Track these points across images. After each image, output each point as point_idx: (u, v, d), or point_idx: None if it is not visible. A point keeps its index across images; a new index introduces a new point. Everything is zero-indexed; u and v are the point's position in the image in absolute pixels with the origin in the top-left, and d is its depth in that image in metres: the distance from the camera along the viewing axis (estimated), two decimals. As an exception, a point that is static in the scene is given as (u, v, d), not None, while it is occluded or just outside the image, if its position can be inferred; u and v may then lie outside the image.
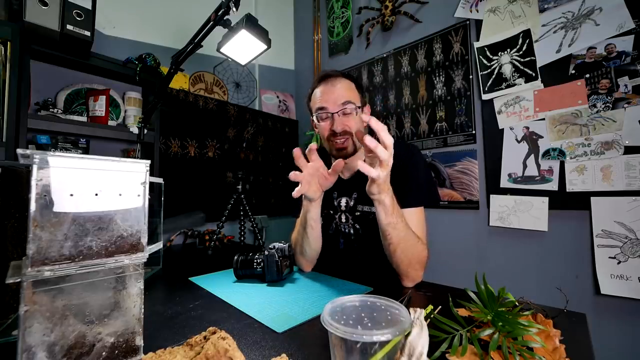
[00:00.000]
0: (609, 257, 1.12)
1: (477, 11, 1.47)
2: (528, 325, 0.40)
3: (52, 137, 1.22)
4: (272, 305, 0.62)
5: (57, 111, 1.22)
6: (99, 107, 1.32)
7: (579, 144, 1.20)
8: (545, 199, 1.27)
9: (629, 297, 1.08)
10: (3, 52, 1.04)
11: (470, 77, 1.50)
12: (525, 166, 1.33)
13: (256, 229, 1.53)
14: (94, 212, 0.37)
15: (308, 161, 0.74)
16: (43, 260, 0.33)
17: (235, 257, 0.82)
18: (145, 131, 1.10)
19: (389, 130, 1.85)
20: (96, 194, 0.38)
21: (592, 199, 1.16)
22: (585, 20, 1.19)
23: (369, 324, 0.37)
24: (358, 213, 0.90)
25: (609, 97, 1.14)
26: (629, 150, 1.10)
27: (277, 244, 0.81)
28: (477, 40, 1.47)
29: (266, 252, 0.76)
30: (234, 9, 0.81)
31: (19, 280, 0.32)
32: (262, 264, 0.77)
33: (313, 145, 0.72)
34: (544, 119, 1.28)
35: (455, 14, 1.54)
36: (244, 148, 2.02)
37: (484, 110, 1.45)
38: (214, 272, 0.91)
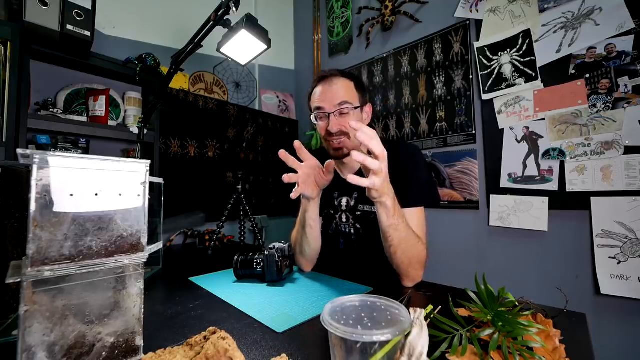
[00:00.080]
0: (609, 257, 1.12)
1: (477, 11, 1.47)
2: (528, 325, 0.40)
3: (52, 137, 1.22)
4: (272, 305, 0.62)
5: (57, 111, 1.22)
6: (99, 107, 1.32)
7: (579, 144, 1.20)
8: (545, 199, 1.27)
9: (629, 297, 1.08)
10: (3, 52, 1.04)
11: (470, 77, 1.50)
12: (525, 166, 1.33)
13: (256, 229, 1.53)
14: (94, 212, 0.37)
15: (301, 161, 0.75)
16: (43, 260, 0.33)
17: (235, 257, 0.82)
18: (145, 131, 1.10)
19: (388, 130, 1.83)
20: (96, 194, 0.38)
21: (592, 199, 1.16)
22: (585, 20, 1.19)
23: (369, 324, 0.37)
24: (359, 213, 0.90)
25: (609, 97, 1.14)
26: (629, 150, 1.10)
27: (277, 244, 0.81)
28: (477, 40, 1.47)
29: (266, 252, 0.76)
30: (234, 9, 0.81)
31: (19, 280, 0.32)
32: (262, 264, 0.77)
33: (297, 142, 0.72)
34: (544, 119, 1.28)
35: (455, 14, 1.54)
36: (244, 148, 2.02)
37: (484, 110, 1.45)
38: (214, 272, 0.91)
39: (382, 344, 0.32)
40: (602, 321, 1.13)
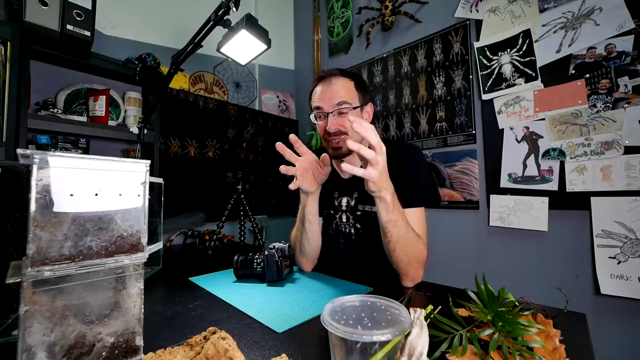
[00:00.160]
0: (609, 257, 1.12)
1: (477, 11, 1.47)
2: (528, 325, 0.40)
3: (52, 137, 1.22)
4: (272, 305, 0.62)
5: (57, 111, 1.22)
6: (99, 107, 1.32)
7: (579, 144, 1.20)
8: (545, 199, 1.27)
9: (629, 297, 1.08)
10: (3, 52, 1.04)
11: (470, 77, 1.50)
12: (525, 166, 1.33)
13: (256, 229, 1.53)
14: (94, 212, 0.37)
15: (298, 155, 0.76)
16: (43, 260, 0.33)
17: (235, 257, 0.82)
18: (145, 131, 1.11)
19: (388, 130, 1.83)
20: (96, 194, 0.38)
21: (592, 199, 1.16)
22: (585, 20, 1.19)
23: (369, 324, 0.37)
24: (359, 213, 0.90)
25: (609, 97, 1.14)
26: (629, 150, 1.10)
27: (277, 244, 0.81)
28: (477, 40, 1.47)
29: (266, 252, 0.76)
30: (234, 9, 0.81)
31: (19, 280, 0.32)
32: (262, 264, 0.77)
33: (292, 136, 0.73)
34: (544, 119, 1.28)
35: (455, 14, 1.54)
36: (244, 148, 2.02)
37: (484, 110, 1.45)
38: (214, 272, 0.91)
39: (382, 344, 0.32)
40: (602, 321, 1.13)
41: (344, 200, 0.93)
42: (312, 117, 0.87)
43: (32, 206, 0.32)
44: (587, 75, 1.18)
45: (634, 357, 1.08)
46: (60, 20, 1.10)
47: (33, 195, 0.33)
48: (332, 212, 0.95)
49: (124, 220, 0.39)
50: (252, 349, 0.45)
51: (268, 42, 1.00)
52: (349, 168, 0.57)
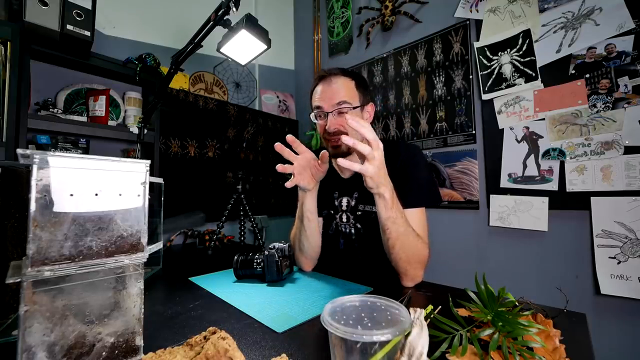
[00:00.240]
0: (609, 257, 1.12)
1: (477, 11, 1.47)
2: (528, 325, 0.40)
3: (52, 137, 1.22)
4: (272, 305, 0.62)
5: (57, 111, 1.22)
6: (99, 107, 1.32)
7: (579, 144, 1.20)
8: (545, 199, 1.27)
9: (629, 297, 1.08)
10: (3, 52, 1.04)
11: (470, 77, 1.50)
12: (525, 166, 1.33)
13: (256, 229, 1.53)
14: (94, 212, 0.37)
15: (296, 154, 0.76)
16: (43, 260, 0.33)
17: (235, 257, 0.82)
18: (145, 131, 1.11)
19: (388, 130, 1.83)
20: (96, 194, 0.38)
21: (592, 199, 1.16)
22: (585, 20, 1.19)
23: (369, 324, 0.37)
24: (359, 212, 0.90)
25: (609, 97, 1.14)
26: (629, 150, 1.10)
27: (277, 244, 0.81)
28: (477, 40, 1.47)
29: (266, 252, 0.76)
30: (234, 9, 0.81)
31: (19, 280, 0.32)
32: (262, 264, 0.77)
33: (289, 136, 0.73)
34: (544, 119, 1.28)
35: (455, 14, 1.54)
36: (244, 148, 2.02)
37: (484, 110, 1.45)
38: (214, 272, 0.91)
39: (382, 344, 0.32)
40: (602, 321, 1.13)
41: (344, 200, 0.93)
42: (312, 116, 0.87)
43: (32, 206, 0.32)
44: (587, 75, 1.18)
45: (634, 357, 1.08)
46: (60, 20, 1.10)
47: (33, 195, 0.33)
48: (333, 212, 0.95)
49: (124, 220, 0.39)
50: (252, 349, 0.45)
51: (268, 42, 1.00)
52: (346, 164, 0.57)
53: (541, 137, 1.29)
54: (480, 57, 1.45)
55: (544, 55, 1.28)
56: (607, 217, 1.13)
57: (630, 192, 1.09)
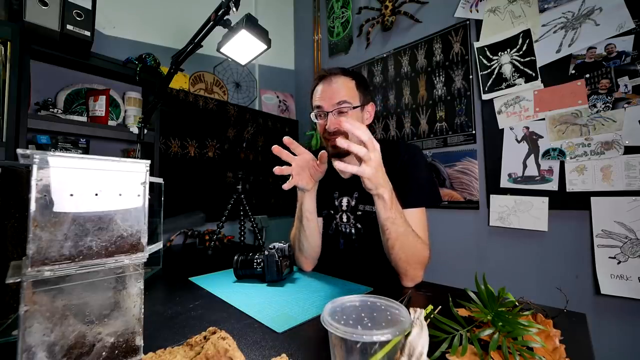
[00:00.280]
0: (609, 257, 1.12)
1: (477, 11, 1.47)
2: (528, 325, 0.40)
3: (52, 137, 1.22)
4: (272, 305, 0.62)
5: (57, 111, 1.22)
6: (99, 107, 1.32)
7: (579, 144, 1.20)
8: (545, 199, 1.27)
9: (629, 297, 1.08)
10: (3, 52, 1.04)
11: (470, 77, 1.50)
12: (525, 166, 1.33)
13: (256, 229, 1.53)
14: (94, 212, 0.37)
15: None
16: (43, 260, 0.33)
17: (235, 257, 0.82)
18: (145, 131, 1.11)
19: (388, 130, 1.83)
20: (96, 194, 0.38)
21: (592, 199, 1.16)
22: (585, 20, 1.19)
23: (369, 324, 0.37)
24: (360, 212, 0.90)
25: (609, 97, 1.14)
26: (629, 150, 1.10)
27: (277, 244, 0.81)
28: (477, 40, 1.47)
29: (266, 252, 0.76)
30: (234, 9, 0.81)
31: (19, 280, 0.32)
32: (262, 264, 0.77)
33: (286, 138, 0.73)
34: (544, 119, 1.28)
35: (455, 14, 1.54)
36: (244, 148, 2.02)
37: (484, 110, 1.45)
38: (214, 272, 0.91)
39: (382, 344, 0.32)
40: (602, 321, 1.13)
41: (345, 200, 0.93)
42: (312, 115, 0.87)
43: (32, 206, 0.32)
44: (587, 75, 1.18)
45: (634, 357, 1.08)
46: (60, 20, 1.10)
47: (33, 195, 0.33)
48: (333, 212, 0.95)
49: (124, 220, 0.39)
50: (252, 349, 0.45)
51: (268, 42, 1.00)
52: (342, 166, 0.57)
53: (541, 137, 1.29)
54: (480, 57, 1.45)
55: (544, 55, 1.28)
56: (607, 217, 1.13)
57: (630, 192, 1.09)
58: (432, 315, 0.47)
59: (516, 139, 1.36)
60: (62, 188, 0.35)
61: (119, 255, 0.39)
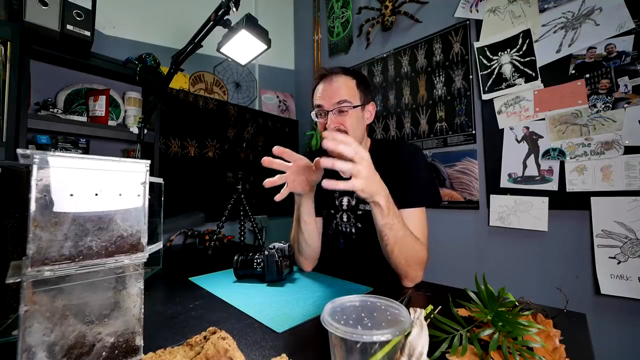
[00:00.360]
0: (609, 257, 1.12)
1: (477, 11, 1.47)
2: (528, 325, 0.40)
3: (52, 137, 1.22)
4: (272, 305, 0.62)
5: (57, 111, 1.22)
6: (99, 107, 1.32)
7: (579, 144, 1.20)
8: (545, 199, 1.27)
9: (629, 297, 1.08)
10: (3, 52, 1.04)
11: (470, 77, 1.50)
12: (525, 166, 1.33)
13: (256, 229, 1.53)
14: (94, 212, 0.37)
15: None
16: (43, 260, 0.33)
17: (235, 257, 0.82)
18: (145, 131, 1.11)
19: (388, 130, 1.82)
20: (96, 194, 0.38)
21: (592, 199, 1.16)
22: (585, 20, 1.19)
23: (369, 324, 0.37)
24: (360, 212, 0.90)
25: (609, 97, 1.14)
26: (629, 150, 1.10)
27: (277, 244, 0.81)
28: (477, 40, 1.47)
29: (266, 252, 0.76)
30: (234, 9, 0.81)
31: (19, 280, 0.32)
32: (262, 264, 0.77)
33: (275, 148, 0.69)
34: (544, 119, 1.28)
35: (455, 14, 1.54)
36: (244, 148, 2.02)
37: (484, 110, 1.45)
38: (214, 272, 0.91)
39: (382, 344, 0.32)
40: (602, 321, 1.13)
41: (345, 200, 0.93)
42: (313, 114, 0.87)
43: (32, 206, 0.32)
44: (587, 75, 1.18)
45: (634, 357, 1.08)
46: (60, 20, 1.10)
47: (33, 195, 0.33)
48: (333, 211, 0.95)
49: (124, 220, 0.39)
50: (252, 349, 0.45)
51: (268, 42, 1.00)
52: (330, 184, 0.55)
53: (541, 137, 1.29)
54: (480, 57, 1.45)
55: (544, 55, 1.28)
56: (607, 217, 1.13)
57: (630, 192, 1.09)
58: (432, 315, 0.47)
59: (516, 139, 1.36)
60: (62, 188, 0.35)
61: (119, 255, 0.39)
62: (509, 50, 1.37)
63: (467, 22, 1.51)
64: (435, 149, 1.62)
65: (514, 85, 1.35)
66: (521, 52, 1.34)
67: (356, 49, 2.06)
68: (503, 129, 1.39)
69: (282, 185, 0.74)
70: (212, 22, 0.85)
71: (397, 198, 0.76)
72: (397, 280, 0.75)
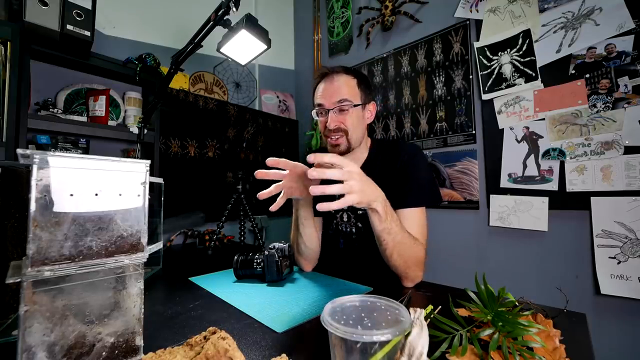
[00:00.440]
0: (609, 257, 1.12)
1: (477, 11, 1.47)
2: (528, 325, 0.40)
3: (52, 137, 1.22)
4: (272, 305, 0.62)
5: (57, 111, 1.22)
6: (99, 107, 1.32)
7: (579, 144, 1.20)
8: (545, 199, 1.27)
9: (629, 297, 1.08)
10: (3, 52, 1.04)
11: (470, 77, 1.50)
12: (525, 166, 1.33)
13: (256, 229, 1.53)
14: (94, 212, 0.37)
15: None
16: (43, 260, 0.33)
17: (235, 257, 0.82)
18: (145, 131, 1.10)
19: (388, 130, 1.82)
20: (96, 194, 0.38)
21: (592, 199, 1.16)
22: (585, 20, 1.19)
23: (369, 324, 0.37)
24: (360, 212, 0.90)
25: (609, 97, 1.14)
26: (629, 150, 1.10)
27: (277, 244, 0.81)
28: (477, 40, 1.47)
29: (266, 252, 0.76)
30: (234, 9, 0.81)
31: (19, 280, 0.32)
32: (262, 264, 0.77)
33: (269, 160, 0.67)
34: (544, 119, 1.28)
35: (455, 14, 1.54)
36: (244, 148, 2.02)
37: (484, 110, 1.45)
38: (214, 272, 0.91)
39: (382, 344, 0.32)
40: (602, 321, 1.13)
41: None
42: (313, 113, 0.87)
43: (32, 206, 0.32)
44: (587, 75, 1.18)
45: (634, 357, 1.08)
46: (60, 20, 1.10)
47: (33, 195, 0.33)
48: (333, 211, 0.95)
49: (124, 220, 0.39)
50: (252, 349, 0.45)
51: (268, 42, 1.00)
52: (324, 207, 0.55)
53: (541, 137, 1.29)
54: (480, 57, 1.45)
55: (544, 55, 1.28)
56: (607, 217, 1.13)
57: (630, 192, 1.09)
58: (432, 315, 0.47)
59: (516, 139, 1.36)
60: (62, 188, 0.35)
61: (119, 255, 0.39)
62: (509, 50, 1.37)
63: (467, 22, 1.51)
64: (435, 149, 1.62)
65: (514, 85, 1.35)
66: (521, 52, 1.34)
67: (356, 49, 2.06)
68: (503, 129, 1.39)
69: (278, 194, 0.73)
70: (212, 22, 0.86)
71: (397, 198, 0.75)
72: (397, 280, 0.75)
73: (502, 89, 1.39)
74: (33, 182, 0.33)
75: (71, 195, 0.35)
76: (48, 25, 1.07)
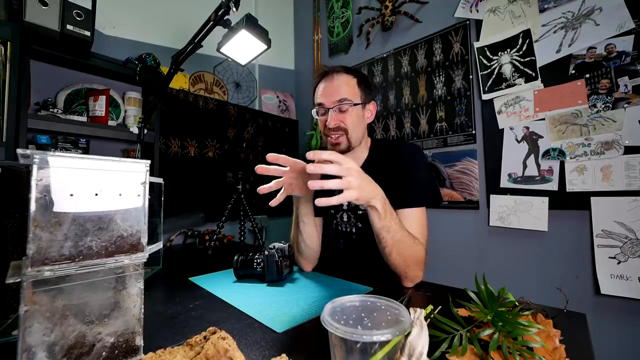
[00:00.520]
0: (609, 257, 1.12)
1: (477, 11, 1.47)
2: (528, 325, 0.40)
3: (52, 137, 1.22)
4: (272, 305, 0.62)
5: (57, 111, 1.22)
6: (99, 107, 1.32)
7: (579, 144, 1.20)
8: (545, 199, 1.27)
9: (629, 297, 1.08)
10: (3, 52, 1.04)
11: (470, 77, 1.50)
12: (525, 166, 1.33)
13: (256, 229, 1.53)
14: (94, 212, 0.37)
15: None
16: (43, 260, 0.33)
17: (235, 257, 0.82)
18: (145, 131, 1.10)
19: (388, 130, 1.82)
20: (96, 194, 0.38)
21: (592, 199, 1.16)
22: (585, 20, 1.19)
23: (369, 324, 0.37)
24: (360, 212, 0.90)
25: (609, 97, 1.14)
26: (629, 150, 1.10)
27: (277, 244, 0.81)
28: (477, 40, 1.47)
29: (266, 252, 0.76)
30: (234, 9, 0.81)
31: (19, 280, 0.32)
32: (262, 264, 0.77)
33: (269, 155, 0.68)
34: (544, 119, 1.28)
35: (455, 14, 1.54)
36: (244, 148, 2.02)
37: (484, 110, 1.45)
38: (214, 272, 0.91)
39: (382, 344, 0.32)
40: (602, 321, 1.13)
41: (345, 200, 0.93)
42: (313, 112, 0.87)
43: (32, 206, 0.32)
44: (587, 75, 1.18)
45: (634, 357, 1.07)
46: (60, 20, 1.10)
47: (33, 195, 0.33)
48: (333, 211, 0.95)
49: (124, 220, 0.39)
50: (252, 349, 0.45)
51: (268, 42, 1.00)
52: (323, 202, 0.55)
53: (541, 137, 1.29)
54: (480, 57, 1.45)
55: (544, 55, 1.28)
56: (607, 217, 1.13)
57: (630, 192, 1.09)
58: (432, 315, 0.47)
59: (516, 139, 1.36)
60: (62, 188, 0.35)
61: (119, 255, 0.39)
62: (509, 50, 1.37)
63: (467, 22, 1.51)
64: (435, 149, 1.62)
65: (514, 85, 1.35)
66: (521, 52, 1.34)
67: (356, 49, 2.06)
68: (503, 129, 1.39)
69: (278, 190, 0.73)
70: (212, 22, 0.85)
71: (397, 198, 0.75)
72: (397, 280, 0.75)
73: (502, 89, 1.39)
74: (33, 182, 0.33)
75: (71, 195, 0.35)
76: (48, 25, 1.07)
